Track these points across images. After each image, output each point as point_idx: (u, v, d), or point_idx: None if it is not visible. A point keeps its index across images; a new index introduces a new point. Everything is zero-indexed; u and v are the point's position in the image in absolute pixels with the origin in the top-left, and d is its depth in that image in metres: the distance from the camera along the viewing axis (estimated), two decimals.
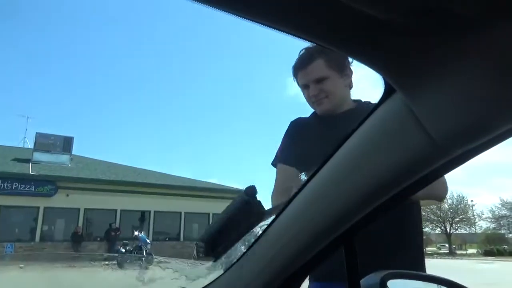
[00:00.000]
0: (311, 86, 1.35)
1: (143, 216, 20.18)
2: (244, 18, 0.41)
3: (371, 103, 1.33)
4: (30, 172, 18.10)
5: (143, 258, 14.69)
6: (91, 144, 47.49)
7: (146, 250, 15.10)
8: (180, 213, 21.20)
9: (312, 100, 1.37)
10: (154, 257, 15.13)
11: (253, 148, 65.27)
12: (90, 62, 46.93)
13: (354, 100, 1.42)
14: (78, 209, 18.55)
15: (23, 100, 42.55)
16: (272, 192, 1.36)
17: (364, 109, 1.29)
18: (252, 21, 0.41)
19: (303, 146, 1.34)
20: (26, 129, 24.94)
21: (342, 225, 0.72)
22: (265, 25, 0.43)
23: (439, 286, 0.89)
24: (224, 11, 0.40)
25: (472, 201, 44.87)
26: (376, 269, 0.96)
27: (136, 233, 16.32)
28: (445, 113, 0.46)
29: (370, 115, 0.58)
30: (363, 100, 1.41)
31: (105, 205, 18.95)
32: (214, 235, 0.94)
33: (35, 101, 43.91)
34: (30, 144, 22.20)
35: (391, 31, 0.41)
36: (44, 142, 20.32)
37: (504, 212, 37.79)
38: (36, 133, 20.68)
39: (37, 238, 17.58)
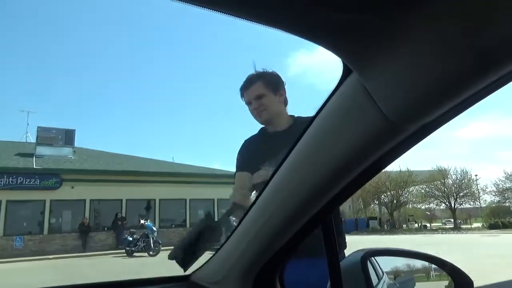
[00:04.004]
0: (253, 101, 1.71)
1: (148, 204, 20.38)
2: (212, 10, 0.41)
3: (304, 117, 1.71)
4: (34, 166, 18.23)
5: (151, 246, 14.94)
6: (93, 136, 47.60)
7: (153, 238, 15.28)
8: (185, 200, 21.37)
9: (254, 112, 1.73)
10: (161, 244, 15.40)
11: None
12: (85, 54, 46.69)
13: (291, 115, 1.78)
14: (84, 200, 18.75)
15: (23, 95, 42.52)
16: (233, 194, 1.69)
17: (298, 124, 1.68)
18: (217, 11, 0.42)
19: (252, 156, 1.73)
20: (28, 124, 24.97)
21: (315, 205, 0.73)
22: (230, 15, 0.43)
23: (417, 260, 0.90)
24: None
25: (476, 175, 44.86)
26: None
27: (142, 221, 16.49)
28: (396, 90, 0.46)
29: (331, 97, 0.58)
30: (298, 116, 1.79)
31: (110, 195, 19.13)
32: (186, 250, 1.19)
33: (35, 96, 43.89)
34: (32, 139, 22.32)
35: (345, 11, 0.41)
36: (46, 136, 20.39)
37: (508, 185, 37.72)
38: (38, 127, 20.73)
39: (46, 230, 17.83)
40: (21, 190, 17.35)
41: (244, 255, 0.91)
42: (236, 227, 0.94)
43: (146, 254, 14.83)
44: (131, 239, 15.68)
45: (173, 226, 20.89)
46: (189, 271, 1.19)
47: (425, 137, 0.55)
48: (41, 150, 20.00)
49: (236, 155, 1.82)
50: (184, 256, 1.15)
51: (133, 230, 16.30)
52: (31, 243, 16.91)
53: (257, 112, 1.72)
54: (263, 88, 1.71)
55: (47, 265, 12.95)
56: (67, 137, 21.09)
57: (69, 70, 45.04)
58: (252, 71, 1.75)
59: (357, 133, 0.55)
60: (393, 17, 0.41)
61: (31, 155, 19.59)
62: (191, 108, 54.82)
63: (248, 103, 1.75)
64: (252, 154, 1.75)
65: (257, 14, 0.43)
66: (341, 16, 0.42)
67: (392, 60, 0.44)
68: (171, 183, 20.58)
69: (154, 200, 20.47)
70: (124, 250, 15.61)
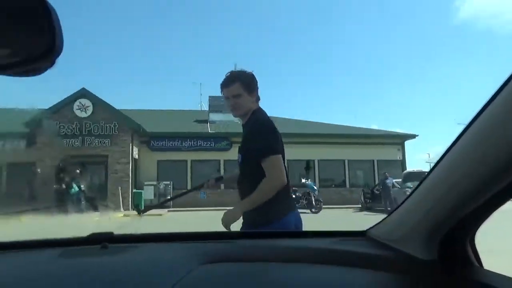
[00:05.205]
0: (231, 98, 2.06)
1: (308, 165, 21.11)
2: None
3: (262, 111, 2.13)
4: (209, 131, 20.94)
5: (312, 204, 15.60)
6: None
7: (314, 196, 15.87)
8: (344, 160, 21.38)
9: (230, 107, 2.09)
10: (322, 202, 15.91)
11: (413, 90, 59.50)
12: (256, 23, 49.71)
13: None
14: None
15: (196, 68, 48.49)
16: (277, 179, 1.91)
17: (252, 116, 2.09)
18: None
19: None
20: (201, 94, 28.42)
21: None
22: None
23: None
24: None
25: None
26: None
27: (303, 180, 17.24)
28: None
29: None
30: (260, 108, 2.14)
31: None
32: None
33: (204, 67, 49.55)
34: (205, 107, 25.35)
35: None
36: (217, 104, 22.88)
37: None
38: (209, 96, 23.41)
39: (222, 185, 20.45)
40: (200, 151, 20.25)
41: (430, 214, 0.83)
42: (420, 184, 0.86)
43: (308, 211, 15.56)
44: (293, 196, 16.63)
45: (333, 186, 21.26)
46: (366, 227, 1.18)
47: None
48: (213, 116, 22.66)
49: (271, 134, 2.04)
50: None
51: (295, 188, 17.25)
52: (211, 195, 19.75)
53: (233, 108, 2.08)
54: (240, 89, 2.03)
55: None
56: None
57: (233, 40, 48.97)
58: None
59: None
60: None
61: (205, 121, 22.47)
62: (347, 70, 53.25)
63: (226, 98, 2.09)
64: None
65: None
66: None
67: None
68: (329, 144, 20.82)
69: (314, 160, 21.11)
70: None
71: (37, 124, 17.00)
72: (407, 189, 14.07)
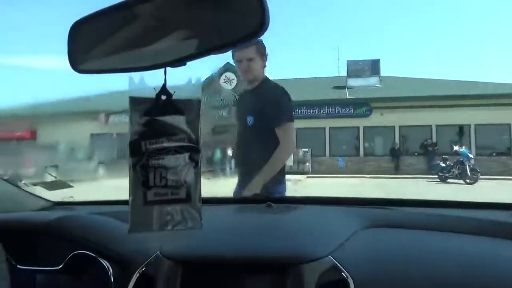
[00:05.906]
0: (243, 61, 2.10)
1: (461, 130, 18.86)
2: None
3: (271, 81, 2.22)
4: (347, 97, 20.35)
5: (467, 174, 13.92)
6: (398, 63, 47.46)
7: (469, 166, 14.13)
8: (509, 125, 18.29)
9: (242, 70, 2.14)
10: (479, 172, 14.03)
11: None
12: None
13: (265, 77, 2.19)
14: (393, 127, 19.49)
15: (332, 32, 47.12)
16: (291, 146, 2.10)
17: (264, 84, 2.19)
18: None
19: None
20: (338, 59, 27.64)
21: None
22: None
23: None
24: None
25: None
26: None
27: (455, 147, 15.48)
28: None
29: None
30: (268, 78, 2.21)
31: (419, 121, 18.92)
32: None
33: (341, 32, 47.79)
34: (343, 72, 24.61)
35: None
36: (355, 68, 22.06)
37: None
38: (347, 61, 22.64)
39: (361, 153, 20.01)
40: (339, 118, 19.93)
41: None
42: None
43: (461, 181, 14.01)
44: (444, 165, 15.15)
45: (494, 154, 18.49)
46: None
47: None
48: (351, 81, 21.88)
49: (288, 103, 2.13)
50: None
51: (445, 156, 15.65)
52: (350, 163, 19.43)
53: (245, 72, 2.12)
54: (255, 53, 2.07)
55: (366, 182, 14.56)
56: (373, 67, 22.06)
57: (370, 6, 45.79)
58: None
59: None
60: None
61: (343, 87, 21.84)
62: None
63: (238, 61, 2.11)
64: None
65: None
66: None
67: None
68: (489, 106, 17.98)
69: (469, 125, 18.68)
70: (436, 176, 15.34)
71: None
72: None
